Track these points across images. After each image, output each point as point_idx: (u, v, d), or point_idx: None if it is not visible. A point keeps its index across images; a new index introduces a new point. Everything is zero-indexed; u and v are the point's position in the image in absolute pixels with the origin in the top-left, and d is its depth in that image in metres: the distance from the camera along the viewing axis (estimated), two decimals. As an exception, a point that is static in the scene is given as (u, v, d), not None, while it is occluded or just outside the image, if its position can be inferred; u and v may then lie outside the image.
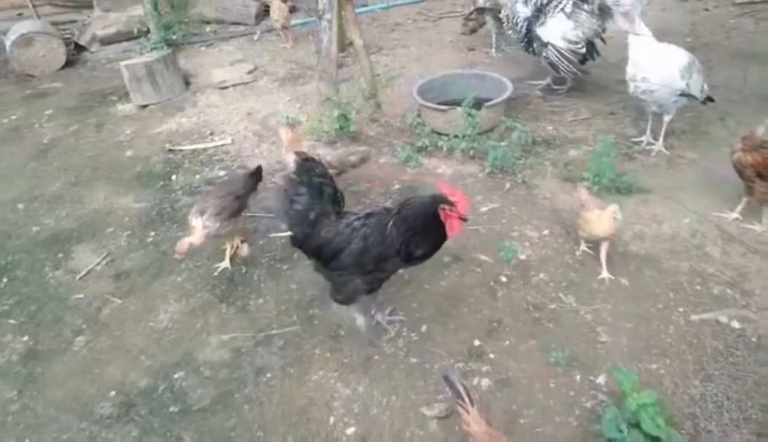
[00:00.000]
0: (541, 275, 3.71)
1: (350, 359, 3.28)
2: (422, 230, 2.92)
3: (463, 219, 2.88)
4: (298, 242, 3.16)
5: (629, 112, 5.35)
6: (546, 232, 4.07)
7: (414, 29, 7.75)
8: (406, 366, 3.20)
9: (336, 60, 5.36)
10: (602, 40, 5.57)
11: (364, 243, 2.97)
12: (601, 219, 3.56)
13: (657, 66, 4.40)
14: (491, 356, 3.22)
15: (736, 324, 3.21)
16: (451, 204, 2.84)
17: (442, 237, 2.97)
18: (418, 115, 5.18)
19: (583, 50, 5.40)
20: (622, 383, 2.59)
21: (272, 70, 6.88)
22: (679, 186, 4.38)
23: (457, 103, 5.12)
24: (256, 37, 7.75)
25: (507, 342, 3.29)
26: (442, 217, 2.87)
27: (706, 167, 4.56)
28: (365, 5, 8.19)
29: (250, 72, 6.81)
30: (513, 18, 5.65)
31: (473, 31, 7.28)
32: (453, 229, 2.89)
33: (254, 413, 3.06)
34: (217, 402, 3.14)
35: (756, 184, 3.73)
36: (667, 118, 4.67)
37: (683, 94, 4.48)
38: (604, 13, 5.22)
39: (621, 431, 2.46)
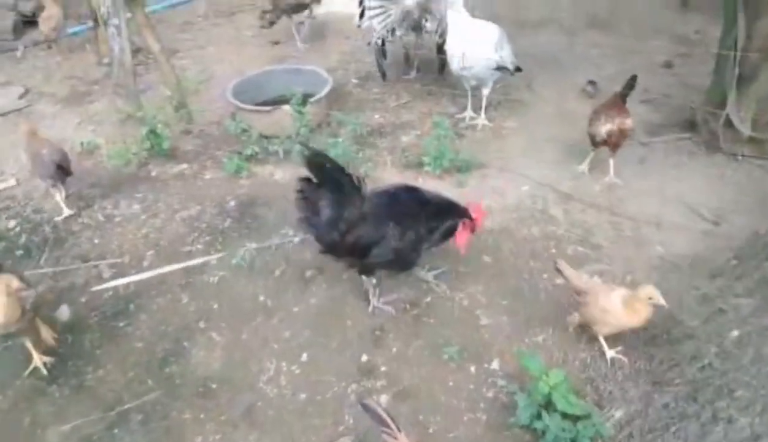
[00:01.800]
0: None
1: (229, 414, 2.84)
2: (442, 237, 3.15)
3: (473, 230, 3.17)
4: (328, 249, 3.10)
5: (445, 90, 5.44)
6: (401, 223, 3.94)
7: (208, 27, 7.14)
8: (296, 406, 2.85)
9: (133, 70, 4.67)
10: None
11: (400, 229, 3.01)
12: (633, 307, 2.72)
13: (473, 41, 4.50)
14: (383, 368, 3.00)
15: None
16: (472, 220, 3.12)
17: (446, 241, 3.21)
18: (239, 120, 4.73)
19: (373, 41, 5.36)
20: (529, 368, 2.54)
21: (50, 90, 5.84)
22: (509, 155, 4.55)
23: (276, 101, 4.78)
24: (19, 54, 6.54)
25: (395, 349, 3.10)
26: (459, 226, 3.13)
27: (528, 133, 4.81)
28: (144, 6, 7.33)
29: (21, 96, 5.70)
30: None
31: (272, 23, 6.90)
32: (461, 242, 3.16)
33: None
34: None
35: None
36: (485, 92, 4.82)
37: (498, 67, 4.64)
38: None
39: (539, 419, 2.40)
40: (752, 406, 2.28)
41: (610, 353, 2.86)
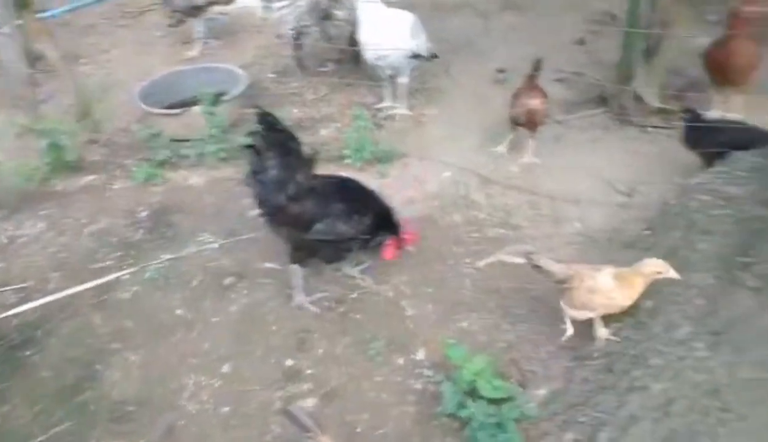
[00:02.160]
0: (332, 268, 3.50)
1: (149, 436, 2.69)
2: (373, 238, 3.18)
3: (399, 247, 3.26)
4: (269, 213, 3.06)
5: (364, 80, 5.36)
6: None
7: (114, 29, 6.79)
8: (219, 420, 2.73)
9: (28, 80, 4.36)
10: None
11: (347, 211, 3.03)
12: (630, 283, 2.58)
13: (387, 30, 4.43)
14: (309, 371, 2.92)
15: (518, 260, 3.39)
16: (402, 238, 3.23)
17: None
18: (149, 126, 4.51)
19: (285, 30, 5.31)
20: (452, 357, 2.51)
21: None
22: (430, 143, 4.53)
23: (189, 103, 4.59)
24: None
25: (321, 350, 3.02)
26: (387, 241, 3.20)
27: (447, 119, 4.80)
28: (43, 10, 6.90)
29: None
30: None
31: (181, 21, 6.64)
32: (390, 254, 3.25)
33: None
34: None
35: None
36: (402, 80, 4.77)
37: (414, 56, 4.60)
38: None
39: (465, 406, 2.38)
40: (664, 372, 2.33)
41: (603, 332, 2.68)
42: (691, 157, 3.85)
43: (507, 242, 3.54)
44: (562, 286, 2.74)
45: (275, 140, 2.96)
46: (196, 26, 6.03)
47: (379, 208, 3.22)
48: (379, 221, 3.18)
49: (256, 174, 2.98)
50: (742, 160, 2.92)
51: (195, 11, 5.94)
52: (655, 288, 2.63)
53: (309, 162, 3.05)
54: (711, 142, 3.66)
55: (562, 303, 2.77)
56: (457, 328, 3.04)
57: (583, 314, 2.71)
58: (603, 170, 4.08)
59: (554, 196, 3.87)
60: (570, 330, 2.78)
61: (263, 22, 6.11)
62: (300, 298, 3.22)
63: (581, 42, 5.84)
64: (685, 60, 4.63)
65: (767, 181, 2.68)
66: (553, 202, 3.84)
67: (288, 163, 2.96)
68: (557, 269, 2.74)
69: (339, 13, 5.11)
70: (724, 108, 4.41)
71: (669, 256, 2.71)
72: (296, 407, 2.48)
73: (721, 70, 4.33)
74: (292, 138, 3.01)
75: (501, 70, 5.16)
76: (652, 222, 3.12)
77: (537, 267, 2.81)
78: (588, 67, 5.37)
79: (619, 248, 3.13)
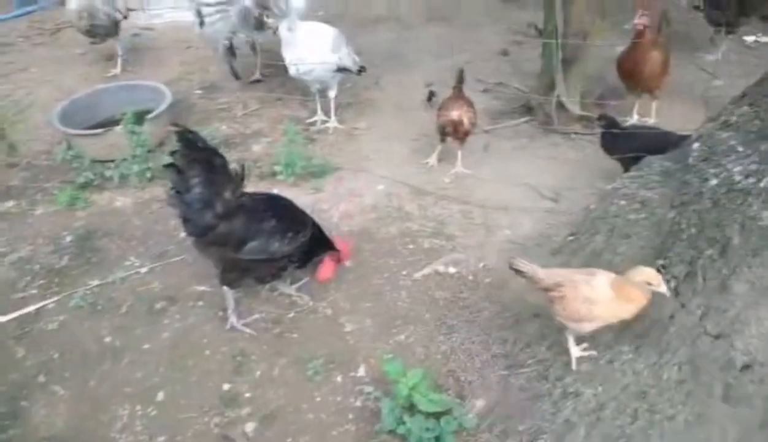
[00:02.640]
0: (269, 286, 3.46)
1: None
2: (305, 254, 3.16)
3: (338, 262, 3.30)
4: (198, 234, 2.94)
5: (294, 95, 5.34)
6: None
7: (29, 47, 6.49)
8: (155, 451, 2.65)
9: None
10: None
11: (280, 229, 2.98)
12: (627, 294, 2.37)
13: (309, 45, 4.44)
14: (247, 395, 2.86)
15: (452, 269, 3.45)
16: (338, 253, 3.26)
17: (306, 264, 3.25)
18: (69, 147, 4.33)
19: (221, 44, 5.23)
20: (389, 372, 2.53)
21: None
22: (363, 156, 4.56)
23: (111, 122, 4.44)
24: None
25: (258, 373, 2.97)
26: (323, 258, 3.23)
27: (379, 131, 4.85)
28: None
29: None
30: None
31: (105, 38, 6.43)
32: (325, 274, 3.28)
33: None
34: None
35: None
36: (331, 94, 4.79)
37: (339, 69, 4.62)
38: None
39: (403, 423, 2.40)
40: (594, 378, 2.43)
41: (576, 352, 2.55)
42: (612, 163, 4.03)
43: (441, 252, 3.60)
44: (549, 294, 2.53)
45: (198, 158, 2.85)
46: (118, 43, 5.84)
47: (312, 225, 3.19)
48: (314, 238, 3.16)
49: (179, 194, 2.86)
50: (655, 163, 3.08)
51: (114, 29, 5.74)
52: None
53: (237, 179, 2.97)
54: (627, 147, 3.85)
55: (557, 316, 2.54)
56: (395, 341, 3.06)
57: (582, 327, 2.48)
58: (530, 177, 4.21)
59: (485, 205, 3.97)
60: (576, 352, 2.57)
61: (192, 37, 5.98)
62: (233, 320, 3.16)
63: (505, 53, 6.03)
64: (606, 68, 4.85)
65: (678, 184, 2.83)
66: (483, 210, 3.93)
67: (213, 181, 2.86)
68: (544, 274, 2.55)
69: (270, 21, 5.06)
70: (641, 113, 4.67)
71: (593, 260, 2.83)
72: (233, 434, 2.43)
73: (631, 77, 4.59)
74: (216, 154, 2.92)
75: (431, 93, 5.16)
76: (576, 227, 3.24)
77: (520, 273, 2.60)
78: (512, 77, 5.55)
79: (548, 254, 3.23)
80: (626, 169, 3.85)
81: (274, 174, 4.27)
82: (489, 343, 2.90)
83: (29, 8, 7.29)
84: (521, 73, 5.57)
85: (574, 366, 2.54)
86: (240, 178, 2.97)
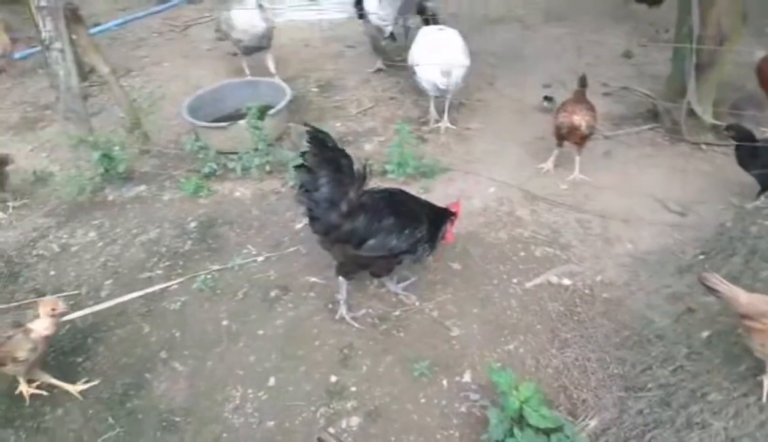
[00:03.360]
0: (377, 282, 3.49)
1: (195, 448, 2.72)
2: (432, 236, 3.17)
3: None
4: (323, 232, 3.04)
5: (408, 95, 5.37)
6: (367, 235, 3.85)
7: (162, 42, 6.97)
8: (264, 435, 2.74)
9: (80, 94, 4.50)
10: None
11: (399, 226, 3.01)
12: None
13: (452, 51, 4.41)
14: (353, 389, 2.90)
15: (566, 281, 3.32)
16: (456, 215, 3.25)
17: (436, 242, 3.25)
18: (197, 138, 4.60)
19: (389, 28, 5.41)
20: (499, 383, 2.46)
21: (0, 117, 5.64)
22: (475, 158, 4.49)
23: (234, 116, 4.67)
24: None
25: (364, 368, 3.00)
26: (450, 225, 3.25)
27: (493, 133, 4.76)
28: (97, 24, 7.15)
29: (-30, 124, 5.50)
30: None
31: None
32: (449, 237, 3.28)
33: None
34: None
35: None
36: (449, 95, 4.75)
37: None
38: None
39: (512, 435, 2.33)
40: (725, 409, 2.24)
41: None
42: (748, 178, 3.71)
43: (555, 261, 3.47)
44: (748, 323, 2.22)
45: (327, 158, 2.96)
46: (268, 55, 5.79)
47: (432, 213, 3.19)
48: (432, 223, 3.15)
49: (308, 192, 2.97)
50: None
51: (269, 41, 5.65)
52: (711, 316, 2.54)
53: (360, 178, 3.03)
54: (766, 162, 3.52)
55: (755, 351, 2.23)
56: (504, 351, 2.99)
57: None
58: (654, 188, 3.97)
59: (603, 215, 3.78)
60: None
61: (310, 36, 6.15)
62: (343, 311, 3.22)
63: (628, 55, 5.73)
64: (744, 75, 4.48)
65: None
66: (602, 220, 3.75)
67: (339, 181, 2.95)
68: (746, 299, 2.23)
69: (430, 5, 5.17)
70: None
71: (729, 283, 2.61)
72: (328, 436, 2.47)
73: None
74: (343, 155, 3.00)
75: (548, 98, 5.01)
76: (707, 245, 3.01)
77: (712, 291, 2.34)
78: (636, 80, 5.26)
79: (674, 272, 3.03)
80: (765, 187, 3.55)
81: (384, 172, 4.30)
82: (606, 361, 2.75)
83: (163, 6, 7.82)
84: (645, 77, 5.27)
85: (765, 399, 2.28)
86: (363, 177, 3.01)
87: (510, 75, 5.47)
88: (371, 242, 2.97)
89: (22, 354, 2.83)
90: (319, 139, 2.92)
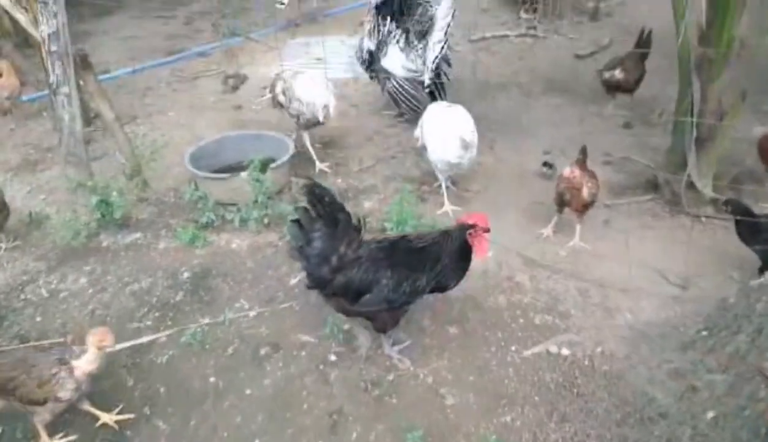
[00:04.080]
0: (370, 343, 3.39)
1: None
2: (456, 261, 3.04)
3: (487, 231, 3.05)
4: (318, 286, 3.05)
5: (409, 154, 5.39)
6: (363, 293, 3.79)
7: (169, 92, 7.05)
8: (246, 503, 2.61)
9: (83, 138, 4.50)
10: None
11: (396, 278, 2.94)
12: None
13: (468, 124, 4.41)
14: (341, 457, 2.78)
15: (565, 351, 3.24)
16: (475, 227, 3.02)
17: (469, 262, 3.11)
18: (196, 188, 4.58)
19: (422, 78, 5.57)
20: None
21: (1, 157, 5.63)
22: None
23: (235, 168, 4.67)
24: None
25: (354, 435, 2.88)
26: (470, 242, 3.03)
27: (492, 196, 4.75)
28: (107, 72, 7.26)
29: (-30, 164, 5.48)
30: (359, 51, 5.85)
31: (235, 88, 6.89)
32: (482, 250, 3.08)
33: None
34: None
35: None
36: (466, 168, 4.72)
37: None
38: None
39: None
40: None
41: None
42: (748, 252, 3.69)
43: (554, 330, 3.40)
44: None
45: (322, 213, 2.97)
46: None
47: (444, 247, 3.06)
48: (453, 258, 3.06)
49: (300, 248, 2.99)
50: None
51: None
52: (716, 396, 2.44)
53: (357, 231, 3.03)
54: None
55: None
56: (500, 422, 2.88)
57: None
58: (654, 259, 3.93)
59: (603, 284, 3.73)
60: None
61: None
62: (387, 347, 3.27)
63: (628, 125, 5.80)
64: (744, 150, 4.53)
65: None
66: (602, 289, 3.70)
67: (332, 235, 2.96)
68: None
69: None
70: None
71: (732, 361, 2.54)
72: None
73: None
74: (341, 209, 3.00)
75: (547, 164, 4.99)
76: (709, 320, 2.95)
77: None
78: (635, 151, 5.30)
79: (675, 347, 2.95)
80: (766, 263, 3.53)
81: (383, 230, 4.26)
82: (606, 438, 2.65)
83: (173, 57, 7.96)
84: (645, 148, 5.31)
85: None
86: (357, 230, 3.02)
87: (510, 140, 5.52)
88: (367, 296, 2.93)
89: (65, 394, 2.73)
90: (317, 194, 2.93)
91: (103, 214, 4.36)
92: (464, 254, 3.08)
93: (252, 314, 3.62)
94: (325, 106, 4.83)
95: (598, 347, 3.23)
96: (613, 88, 5.85)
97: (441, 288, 3.13)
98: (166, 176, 5.11)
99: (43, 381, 2.69)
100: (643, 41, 5.77)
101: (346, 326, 3.44)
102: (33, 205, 4.83)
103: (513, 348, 3.30)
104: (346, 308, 3.06)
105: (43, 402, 2.72)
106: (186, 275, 4.00)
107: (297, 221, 3.00)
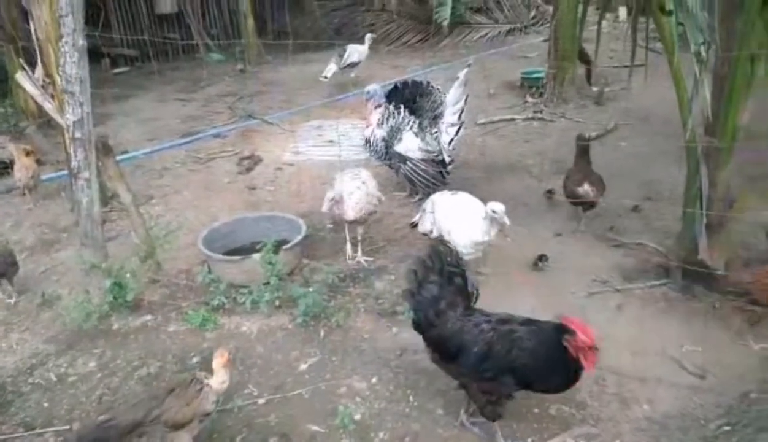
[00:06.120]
0: (381, 434, 3.31)
1: None
2: (544, 359, 2.84)
3: (595, 348, 2.72)
4: (421, 328, 3.18)
5: (418, 235, 5.43)
6: (374, 380, 3.72)
7: (185, 172, 7.24)
8: None
9: (100, 221, 4.59)
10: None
11: (488, 349, 2.93)
12: None
13: (498, 205, 4.37)
14: None
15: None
16: (574, 333, 2.73)
17: (571, 373, 2.81)
18: (209, 270, 4.62)
19: (440, 157, 5.80)
20: None
21: (17, 237, 5.72)
22: (484, 303, 4.39)
23: (248, 249, 4.72)
24: (-9, 200, 6.50)
25: None
26: (569, 349, 2.74)
27: (503, 280, 4.74)
28: (125, 152, 7.49)
29: (-14, 244, 5.56)
30: (374, 142, 6.00)
31: (249, 169, 7.07)
32: (589, 362, 2.74)
33: None
34: None
35: None
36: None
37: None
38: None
39: None
40: None
41: None
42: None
43: (570, 421, 3.31)
44: None
45: (442, 270, 3.16)
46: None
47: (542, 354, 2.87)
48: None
49: (412, 293, 3.21)
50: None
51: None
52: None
53: (468, 296, 3.23)
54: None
55: None
56: None
57: None
58: (669, 347, 3.87)
59: (619, 372, 3.66)
60: None
61: (325, 173, 6.38)
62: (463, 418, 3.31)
63: (636, 209, 5.84)
64: (755, 234, 4.53)
65: None
66: (617, 378, 3.62)
67: (445, 286, 3.15)
68: None
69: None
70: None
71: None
72: None
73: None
74: (460, 273, 3.21)
75: (542, 257, 4.94)
76: (732, 415, 2.87)
77: None
78: (644, 234, 5.31)
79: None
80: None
81: (394, 313, 4.25)
82: None
83: (189, 138, 8.22)
84: (653, 231, 5.33)
85: None
86: (470, 295, 3.26)
87: (515, 224, 5.55)
88: (462, 358, 2.99)
89: (210, 407, 2.98)
90: (440, 253, 3.21)
91: (115, 296, 4.38)
92: (555, 356, 2.80)
93: (261, 401, 3.56)
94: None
95: (617, 440, 3.13)
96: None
97: (528, 385, 2.99)
98: (179, 257, 5.16)
99: (190, 397, 2.93)
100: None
101: (357, 417, 3.38)
102: (45, 286, 4.87)
103: (529, 440, 3.21)
104: (438, 361, 3.18)
105: (186, 422, 2.90)
106: (195, 359, 3.96)
107: (414, 272, 3.21)
